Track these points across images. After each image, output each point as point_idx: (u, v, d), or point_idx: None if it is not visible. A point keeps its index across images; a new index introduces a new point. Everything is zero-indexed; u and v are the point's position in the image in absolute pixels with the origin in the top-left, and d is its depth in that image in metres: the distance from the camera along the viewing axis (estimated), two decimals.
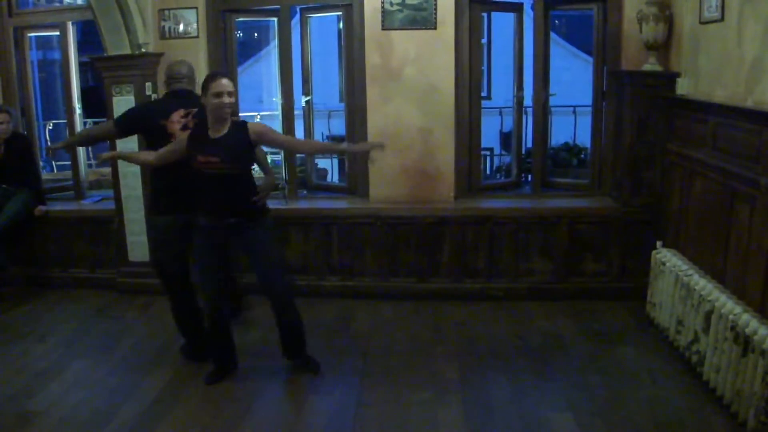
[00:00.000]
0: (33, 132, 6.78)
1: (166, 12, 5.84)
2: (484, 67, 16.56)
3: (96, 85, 12.61)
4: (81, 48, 6.79)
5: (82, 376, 4.61)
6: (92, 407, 4.18)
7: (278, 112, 6.38)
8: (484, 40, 15.96)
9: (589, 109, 6.02)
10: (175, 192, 4.44)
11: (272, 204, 6.04)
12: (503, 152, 12.60)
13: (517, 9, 6.06)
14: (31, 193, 6.17)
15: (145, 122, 4.56)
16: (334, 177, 10.24)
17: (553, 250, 5.66)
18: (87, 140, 5.22)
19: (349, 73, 5.95)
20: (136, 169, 5.87)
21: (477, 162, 6.13)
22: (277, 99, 6.29)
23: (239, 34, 6.90)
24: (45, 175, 7.68)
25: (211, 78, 4.07)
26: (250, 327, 5.30)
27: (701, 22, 4.65)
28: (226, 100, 4.03)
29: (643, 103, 5.26)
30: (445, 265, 5.75)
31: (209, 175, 4.08)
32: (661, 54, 5.23)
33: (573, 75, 11.51)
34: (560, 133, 9.23)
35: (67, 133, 6.72)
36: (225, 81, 4.03)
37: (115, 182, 6.03)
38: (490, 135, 8.83)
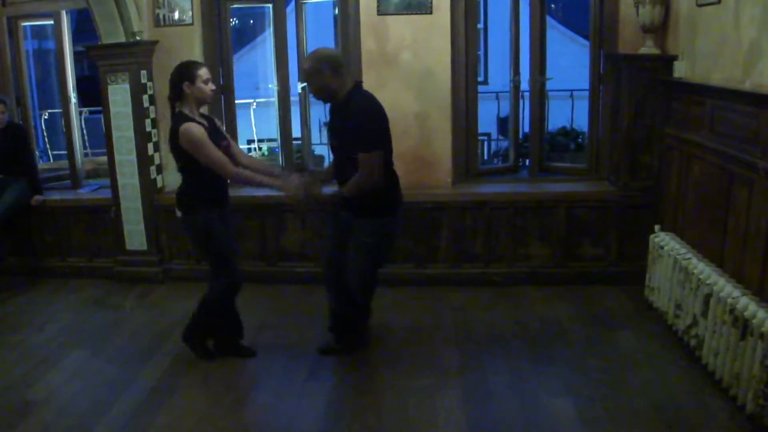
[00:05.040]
0: (29, 122, 6.77)
1: None
2: (481, 52, 16.60)
3: (91, 74, 12.59)
4: (76, 37, 6.76)
5: (80, 366, 4.62)
6: (91, 396, 4.19)
7: (274, 99, 6.36)
8: (480, 25, 16.00)
9: (586, 93, 6.01)
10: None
11: (270, 190, 6.07)
12: (500, 137, 12.60)
13: None
14: (28, 183, 6.16)
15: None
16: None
17: (551, 234, 5.65)
18: None
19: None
20: (133, 157, 5.87)
21: (474, 147, 6.11)
22: (273, 86, 6.27)
23: (234, 21, 6.87)
24: (41, 165, 7.68)
25: (196, 66, 4.16)
26: (248, 315, 5.30)
27: (698, 5, 4.62)
28: (213, 86, 4.21)
29: (641, 86, 5.24)
30: (443, 251, 5.75)
31: None
32: (658, 37, 5.20)
33: (570, 59, 11.46)
34: (557, 117, 9.23)
35: (63, 122, 6.69)
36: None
37: (111, 171, 6.01)
38: (487, 120, 8.83)
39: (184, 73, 4.10)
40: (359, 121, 3.95)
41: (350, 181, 4.04)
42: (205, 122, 4.17)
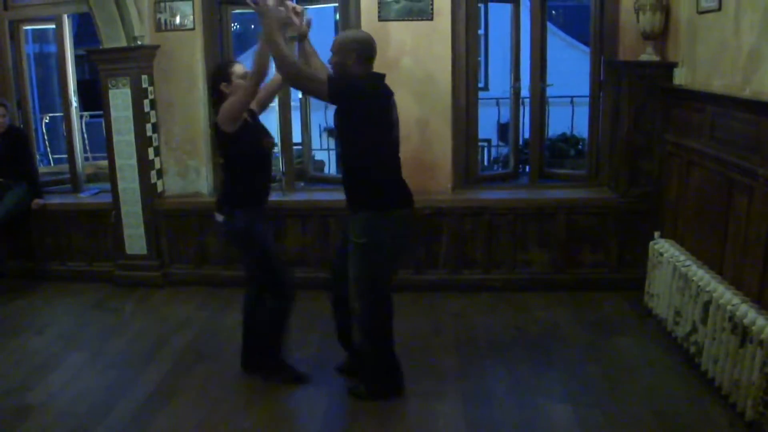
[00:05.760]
0: (29, 126, 6.77)
1: (162, 4, 5.81)
2: (481, 58, 16.61)
3: (92, 78, 12.61)
4: (77, 41, 6.77)
5: (80, 369, 4.62)
6: (90, 400, 4.19)
7: (275, 104, 6.35)
8: (481, 31, 16.02)
9: (587, 99, 6.01)
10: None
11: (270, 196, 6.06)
12: (501, 143, 12.60)
13: None
14: (29, 186, 6.16)
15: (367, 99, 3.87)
16: (331, 169, 10.24)
17: (550, 240, 5.66)
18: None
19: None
20: (133, 162, 5.87)
21: (474, 153, 6.12)
22: None
23: (235, 25, 6.88)
24: (42, 169, 7.67)
25: (229, 64, 4.12)
26: None
27: (699, 12, 4.63)
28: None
29: (641, 93, 5.25)
30: (442, 257, 5.75)
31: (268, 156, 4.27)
32: (658, 44, 5.21)
33: (570, 65, 11.50)
34: (558, 123, 9.24)
35: (63, 126, 6.69)
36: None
37: (112, 175, 6.01)
38: (487, 126, 8.83)
39: (219, 74, 4.07)
40: (339, 77, 3.83)
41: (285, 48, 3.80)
42: (249, 119, 4.13)
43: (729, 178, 4.09)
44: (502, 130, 11.62)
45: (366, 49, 3.88)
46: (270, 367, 4.36)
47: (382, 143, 3.95)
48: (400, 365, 4.14)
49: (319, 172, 6.82)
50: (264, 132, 4.23)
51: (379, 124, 3.91)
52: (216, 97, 4.07)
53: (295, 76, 3.80)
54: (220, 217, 4.14)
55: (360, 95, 3.81)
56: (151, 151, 5.94)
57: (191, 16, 5.82)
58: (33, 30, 7.48)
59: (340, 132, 3.94)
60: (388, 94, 3.96)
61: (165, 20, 5.85)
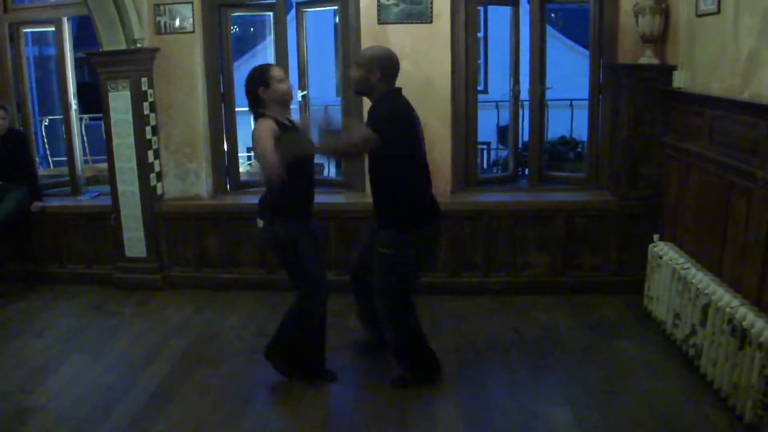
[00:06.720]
0: (29, 128, 6.77)
1: (162, 7, 5.81)
2: (481, 61, 16.63)
3: (92, 81, 12.62)
4: (77, 43, 6.78)
5: (79, 372, 4.62)
6: (90, 403, 4.19)
7: None
8: (480, 34, 16.04)
9: (586, 102, 6.02)
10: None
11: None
12: (500, 146, 12.62)
13: (514, 2, 6.03)
14: (28, 189, 6.16)
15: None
16: (330, 171, 10.24)
17: (550, 243, 5.66)
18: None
19: (345, 68, 5.94)
20: (133, 164, 5.87)
21: (474, 156, 6.12)
22: None
23: (235, 28, 6.89)
24: (42, 171, 7.69)
25: (267, 68, 4.02)
26: (248, 322, 5.32)
27: (698, 15, 4.64)
28: (290, 82, 4.07)
29: (640, 96, 5.26)
30: (442, 260, 5.74)
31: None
32: (657, 47, 5.22)
33: (569, 68, 11.52)
34: (557, 126, 9.25)
35: (63, 129, 6.70)
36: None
37: (111, 178, 6.01)
38: (486, 129, 8.85)
39: (257, 78, 3.96)
40: (377, 118, 3.82)
41: (341, 137, 3.88)
42: (289, 124, 4.02)
43: (728, 181, 4.10)
44: (502, 133, 11.64)
45: (392, 67, 3.94)
46: (305, 371, 4.39)
47: (408, 165, 3.95)
48: (432, 352, 4.33)
49: (318, 175, 6.81)
50: (304, 138, 4.06)
51: (407, 147, 3.93)
52: (253, 102, 3.99)
53: (360, 153, 3.90)
54: (260, 223, 4.08)
55: (400, 131, 3.87)
56: (150, 153, 5.94)
57: (191, 19, 5.83)
58: (33, 33, 7.47)
59: (369, 153, 3.94)
60: (413, 113, 4.02)
61: (165, 23, 5.85)
